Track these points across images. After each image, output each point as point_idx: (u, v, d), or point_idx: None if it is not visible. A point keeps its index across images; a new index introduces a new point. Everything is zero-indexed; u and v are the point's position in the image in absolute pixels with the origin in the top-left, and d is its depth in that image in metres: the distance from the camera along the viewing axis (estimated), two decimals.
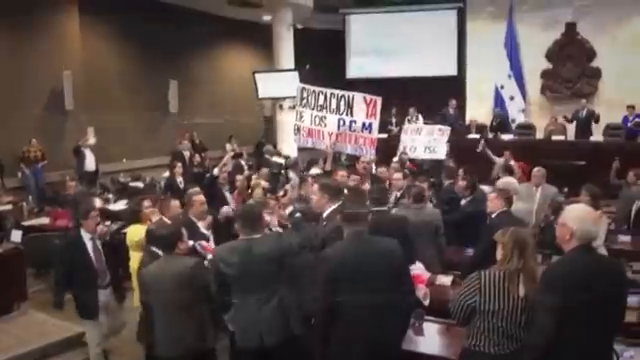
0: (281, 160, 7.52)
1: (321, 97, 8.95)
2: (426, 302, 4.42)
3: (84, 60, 12.44)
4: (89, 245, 5.09)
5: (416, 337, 4.06)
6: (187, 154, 12.63)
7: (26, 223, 8.14)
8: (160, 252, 4.23)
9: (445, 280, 5.07)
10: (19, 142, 11.06)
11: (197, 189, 5.89)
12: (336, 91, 8.90)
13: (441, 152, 10.31)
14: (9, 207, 8.82)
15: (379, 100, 8.57)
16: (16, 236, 6.70)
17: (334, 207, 4.42)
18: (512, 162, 9.18)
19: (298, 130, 9.24)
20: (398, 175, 7.34)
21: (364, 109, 8.60)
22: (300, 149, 11.46)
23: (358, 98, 8.66)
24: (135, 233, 5.08)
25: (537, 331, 3.02)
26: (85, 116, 12.14)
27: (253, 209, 4.09)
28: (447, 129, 10.59)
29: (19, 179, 11.12)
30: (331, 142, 8.69)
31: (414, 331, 4.08)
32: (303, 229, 4.27)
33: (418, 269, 4.75)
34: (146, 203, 5.65)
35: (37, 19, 11.59)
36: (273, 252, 3.81)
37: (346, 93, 8.79)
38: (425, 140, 10.49)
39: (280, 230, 4.94)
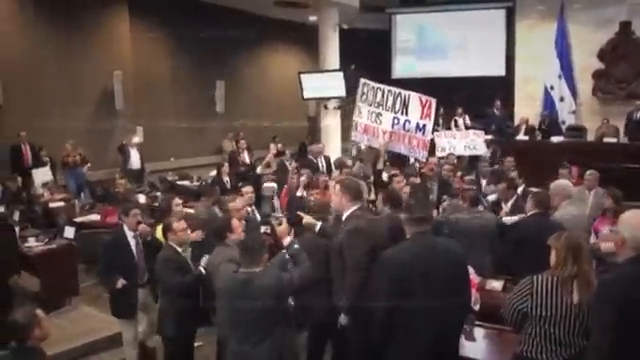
0: (274, 184, 6.90)
1: (379, 94, 9.02)
2: (476, 307, 4.33)
3: (134, 60, 12.71)
4: (132, 243, 5.14)
5: (467, 342, 3.99)
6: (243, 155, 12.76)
7: (78, 219, 8.32)
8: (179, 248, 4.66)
9: (496, 285, 4.95)
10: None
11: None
12: (393, 88, 8.92)
13: (481, 148, 10.29)
14: (61, 204, 9.04)
15: (434, 102, 8.53)
16: (69, 232, 6.85)
17: (355, 208, 4.22)
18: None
19: (356, 126, 9.28)
20: (469, 177, 7.35)
21: (419, 109, 8.59)
22: (344, 150, 11.46)
23: (414, 97, 8.66)
24: None
25: (593, 348, 2.92)
26: (134, 116, 12.39)
27: (255, 239, 3.82)
28: (481, 132, 10.61)
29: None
30: (385, 141, 8.67)
31: (465, 336, 4.01)
32: (303, 262, 3.87)
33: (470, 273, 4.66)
34: (177, 200, 5.79)
35: (88, 20, 11.90)
36: (271, 288, 3.53)
37: (402, 91, 8.79)
38: (462, 141, 10.51)
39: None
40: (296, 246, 3.91)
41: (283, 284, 3.58)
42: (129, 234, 5.15)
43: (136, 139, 11.77)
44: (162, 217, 5.53)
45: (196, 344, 5.59)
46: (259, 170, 8.08)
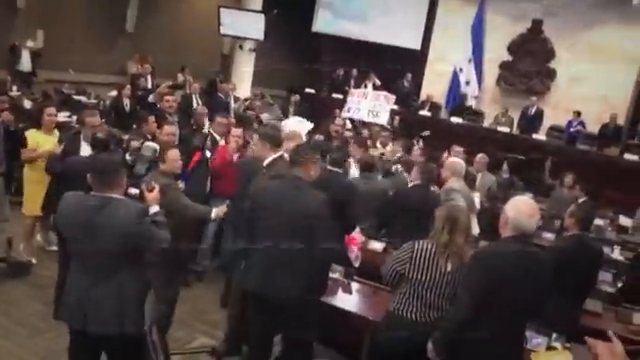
0: (156, 146, 5.27)
1: None
2: (357, 264, 4.53)
3: None
4: None
5: (343, 295, 4.19)
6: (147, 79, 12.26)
7: None
8: None
9: (377, 246, 5.23)
10: None
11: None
12: None
13: (383, 118, 10.48)
14: None
15: None
16: None
17: (275, 156, 4.32)
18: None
19: None
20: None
21: None
22: None
23: None
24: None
25: (456, 307, 3.18)
26: (36, 17, 11.54)
27: (111, 161, 3.33)
28: (392, 97, 10.77)
29: None
30: None
31: (342, 289, 4.21)
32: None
33: (354, 232, 4.84)
34: (50, 110, 5.55)
35: None
36: (124, 226, 3.01)
37: None
38: (370, 105, 10.62)
39: None
40: (161, 218, 3.34)
41: (139, 230, 3.05)
42: None
43: (30, 43, 11.01)
44: (31, 123, 5.51)
45: None
46: (151, 98, 7.71)
